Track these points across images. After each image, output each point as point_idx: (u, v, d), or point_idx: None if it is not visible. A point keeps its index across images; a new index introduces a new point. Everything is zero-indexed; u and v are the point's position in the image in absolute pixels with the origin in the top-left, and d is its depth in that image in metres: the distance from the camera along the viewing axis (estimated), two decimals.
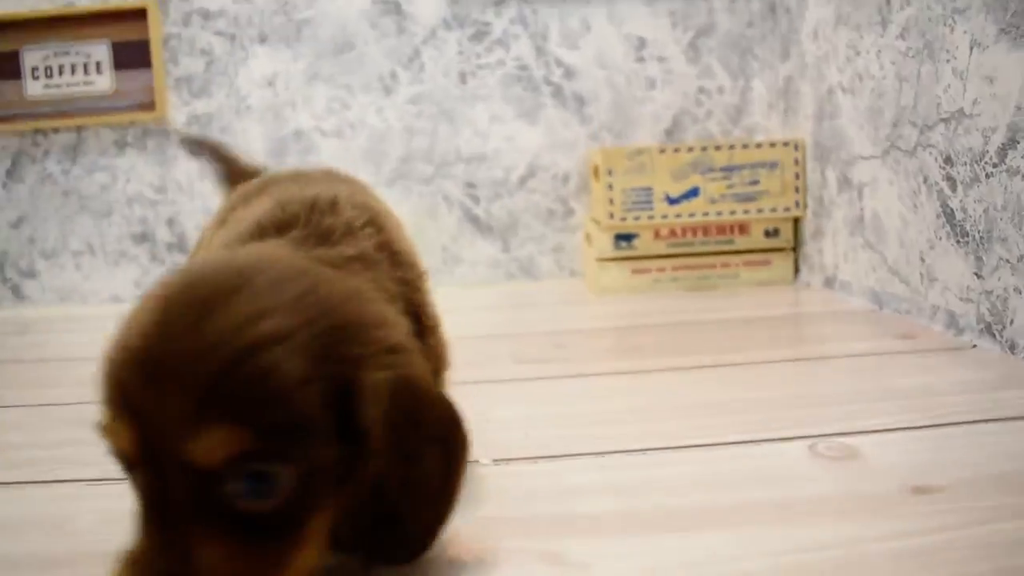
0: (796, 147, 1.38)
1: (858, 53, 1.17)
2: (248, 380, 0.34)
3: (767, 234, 1.42)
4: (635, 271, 1.42)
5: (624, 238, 1.41)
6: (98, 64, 1.56)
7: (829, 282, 1.31)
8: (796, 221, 1.42)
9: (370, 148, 1.55)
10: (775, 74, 1.50)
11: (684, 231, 1.41)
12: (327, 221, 0.47)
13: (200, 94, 1.55)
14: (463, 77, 1.54)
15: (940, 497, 0.51)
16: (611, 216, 1.38)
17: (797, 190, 1.39)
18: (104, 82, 1.56)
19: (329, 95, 1.54)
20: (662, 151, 1.37)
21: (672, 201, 1.38)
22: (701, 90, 1.56)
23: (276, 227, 0.47)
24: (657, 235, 1.41)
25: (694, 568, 0.42)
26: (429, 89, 1.54)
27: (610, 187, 1.37)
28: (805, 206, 1.39)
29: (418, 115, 1.54)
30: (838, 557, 0.44)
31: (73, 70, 1.56)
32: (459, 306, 1.33)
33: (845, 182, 1.24)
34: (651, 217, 1.38)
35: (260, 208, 0.49)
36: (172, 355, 0.34)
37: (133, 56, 1.54)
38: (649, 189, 1.38)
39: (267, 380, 0.34)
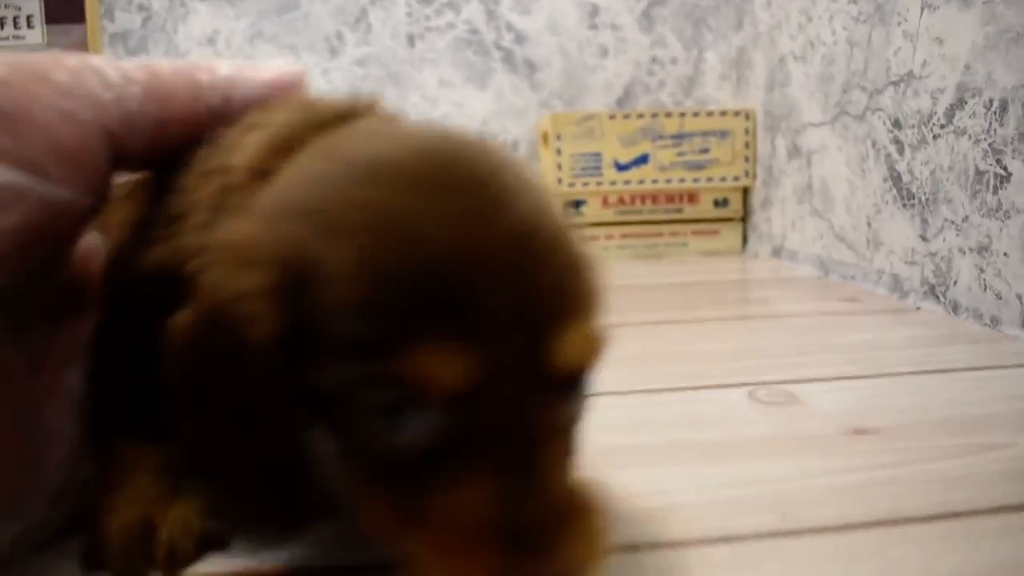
0: (747, 116, 1.37)
1: (810, 20, 1.16)
2: (582, 276, 0.29)
3: (716, 204, 1.41)
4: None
5: (572, 205, 1.39)
6: (29, 18, 1.49)
7: (776, 251, 1.31)
8: (745, 191, 1.41)
9: None
10: (728, 45, 1.49)
11: (633, 199, 1.40)
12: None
13: (136, 51, 1.49)
14: (411, 40, 1.50)
15: (879, 439, 0.49)
16: (559, 182, 1.36)
17: (747, 159, 1.38)
18: (35, 36, 1.49)
19: (273, 56, 1.49)
20: (612, 117, 1.35)
21: (621, 168, 1.37)
22: (654, 60, 1.54)
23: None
24: (605, 203, 1.39)
25: (627, 500, 0.41)
26: (376, 51, 1.50)
27: (558, 152, 1.35)
28: (755, 176, 1.38)
29: (365, 78, 1.51)
30: (776, 491, 0.42)
31: (3, 24, 1.49)
32: None
33: (795, 150, 1.23)
34: (599, 183, 1.37)
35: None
36: (516, 260, 0.27)
37: (66, 10, 1.48)
38: (598, 155, 1.36)
39: (590, 277, 0.30)
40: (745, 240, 1.42)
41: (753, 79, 1.38)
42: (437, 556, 0.27)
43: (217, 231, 0.31)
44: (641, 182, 1.37)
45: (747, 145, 1.37)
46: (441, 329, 0.26)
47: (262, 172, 0.33)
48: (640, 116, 1.35)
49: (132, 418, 0.36)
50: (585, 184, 1.36)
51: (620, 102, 1.55)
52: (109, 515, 0.34)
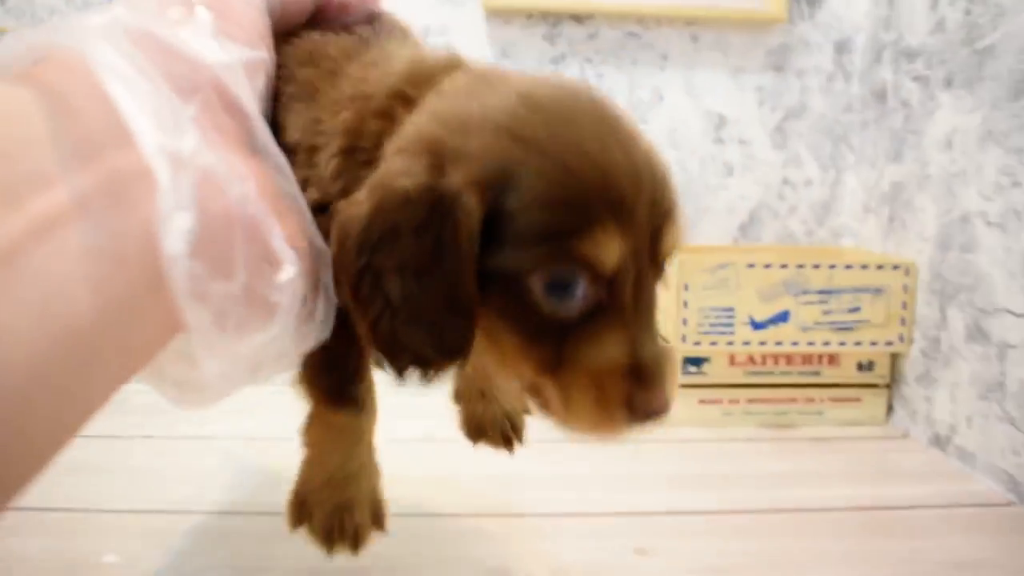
0: (907, 271, 1.15)
1: (1017, 184, 0.95)
2: (674, 189, 0.40)
3: (860, 368, 1.20)
4: (703, 400, 1.19)
5: (693, 362, 1.18)
6: None
7: (940, 442, 1.09)
8: (894, 356, 1.20)
9: None
10: (877, 173, 1.28)
11: (765, 359, 1.19)
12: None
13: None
14: None
15: None
16: (683, 339, 1.15)
17: (903, 322, 1.16)
18: None
19: None
20: (750, 266, 1.14)
21: (757, 326, 1.15)
22: (785, 181, 1.33)
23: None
24: (733, 362, 1.18)
25: None
26: None
27: (685, 305, 1.14)
28: (910, 342, 1.17)
29: None
30: None
31: None
32: None
33: (979, 333, 1.01)
34: (730, 343, 1.15)
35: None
36: (644, 172, 0.38)
37: None
38: (731, 310, 1.15)
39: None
40: (889, 409, 1.21)
41: (915, 226, 1.17)
42: (582, 388, 0.38)
43: (398, 135, 0.40)
44: (778, 343, 1.16)
45: (905, 305, 1.16)
46: (609, 220, 0.37)
47: (406, 99, 0.41)
48: (783, 267, 1.14)
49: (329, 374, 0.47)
50: (713, 343, 1.15)
51: (744, 228, 1.33)
52: (316, 500, 0.48)
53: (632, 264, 0.38)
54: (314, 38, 0.46)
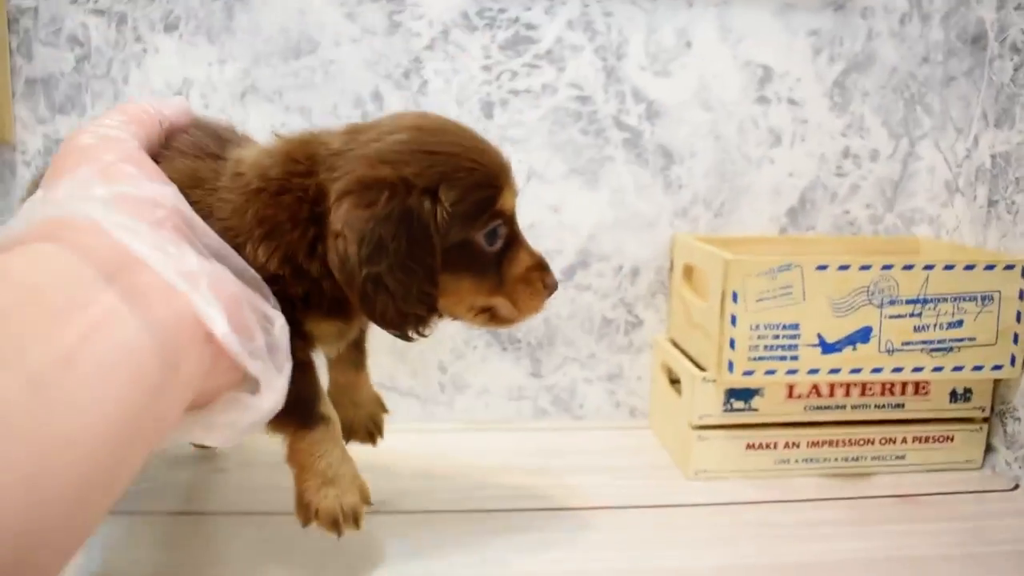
0: None
1: None
2: None
3: (954, 398, 0.91)
4: (751, 445, 0.89)
5: (740, 395, 0.88)
6: None
7: None
8: (996, 384, 0.92)
9: None
10: (968, 143, 0.98)
11: (833, 389, 0.89)
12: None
13: (64, 107, 0.95)
14: (488, 107, 0.98)
15: None
16: (730, 367, 0.85)
17: (1016, 339, 0.88)
18: None
19: (273, 121, 0.96)
20: (821, 268, 0.84)
21: (828, 348, 0.86)
22: (846, 153, 1.03)
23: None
24: (791, 394, 0.89)
25: None
26: None
27: (733, 321, 0.84)
28: (1023, 366, 0.88)
29: None
30: None
31: None
32: (452, 464, 0.87)
33: None
34: (793, 371, 0.86)
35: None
36: (501, 153, 0.63)
37: None
38: (795, 327, 0.85)
39: None
40: (988, 449, 0.92)
41: None
42: (520, 289, 0.63)
43: (345, 177, 0.56)
44: (855, 370, 0.86)
45: (1019, 317, 0.87)
46: (505, 184, 0.62)
47: (297, 172, 0.58)
48: (865, 268, 0.84)
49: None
50: (770, 371, 0.85)
51: (793, 214, 1.03)
52: (316, 498, 0.60)
53: (514, 203, 0.64)
54: (183, 162, 0.58)
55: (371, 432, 0.78)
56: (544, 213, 1.00)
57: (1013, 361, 0.88)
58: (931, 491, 0.87)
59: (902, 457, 0.92)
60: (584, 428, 1.04)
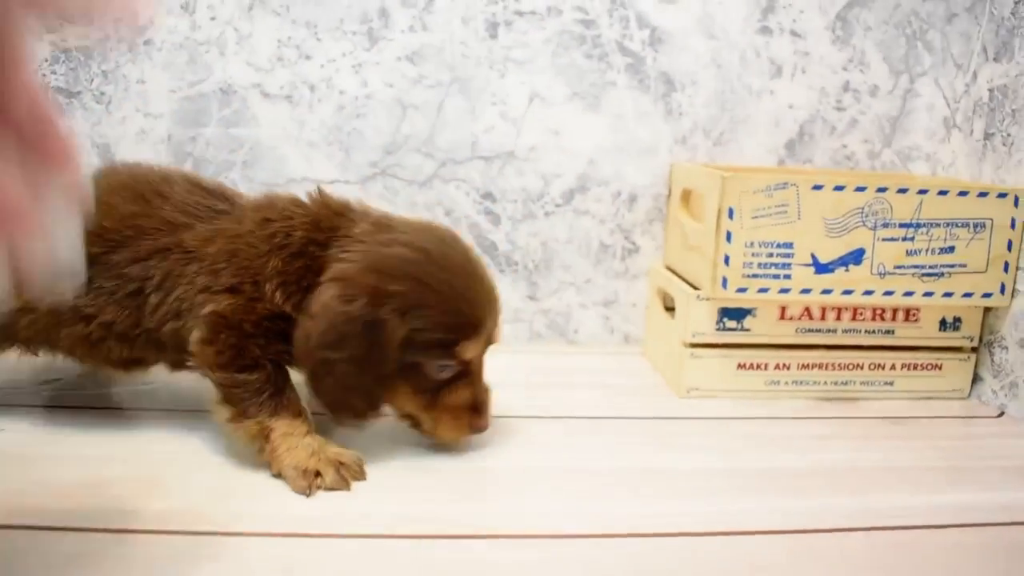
0: (1017, 201, 0.87)
1: None
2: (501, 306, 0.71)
3: (943, 326, 0.93)
4: (743, 365, 0.91)
5: (733, 314, 0.90)
6: None
7: None
8: (985, 314, 0.93)
9: (337, 125, 0.99)
10: (967, 78, 0.99)
11: (824, 312, 0.91)
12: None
13: None
14: (492, 27, 0.99)
15: None
16: (723, 283, 0.86)
17: (1007, 268, 0.89)
18: None
19: (280, 35, 0.97)
20: (816, 187, 0.85)
21: (821, 268, 0.87)
22: (847, 87, 1.04)
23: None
24: (784, 315, 0.90)
25: None
26: (438, 40, 0.98)
27: (728, 237, 0.85)
28: (1013, 294, 0.89)
29: (417, 80, 0.99)
30: None
31: None
32: None
33: None
34: (785, 290, 0.87)
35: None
36: (492, 297, 0.69)
37: None
38: (789, 246, 0.86)
39: None
40: (975, 379, 0.94)
41: None
42: (445, 417, 0.68)
43: (340, 267, 0.64)
44: (847, 292, 0.87)
45: (1011, 246, 0.88)
46: (472, 335, 0.66)
47: (318, 243, 0.67)
48: (860, 189, 0.85)
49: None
50: (763, 290, 0.86)
51: (791, 147, 1.04)
52: (315, 465, 0.63)
53: (480, 354, 0.69)
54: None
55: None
56: (545, 136, 1.01)
57: (1003, 290, 0.89)
58: (918, 415, 0.88)
59: (890, 383, 0.93)
60: (578, 352, 1.05)
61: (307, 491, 0.63)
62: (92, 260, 0.68)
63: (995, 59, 0.94)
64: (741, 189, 0.84)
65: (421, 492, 0.65)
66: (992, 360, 0.92)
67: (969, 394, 0.94)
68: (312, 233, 0.67)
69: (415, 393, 0.67)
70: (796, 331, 0.91)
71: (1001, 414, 0.90)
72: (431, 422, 0.69)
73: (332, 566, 0.53)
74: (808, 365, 0.92)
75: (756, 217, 0.85)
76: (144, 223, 0.69)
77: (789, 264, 0.86)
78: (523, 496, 0.66)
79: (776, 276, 0.86)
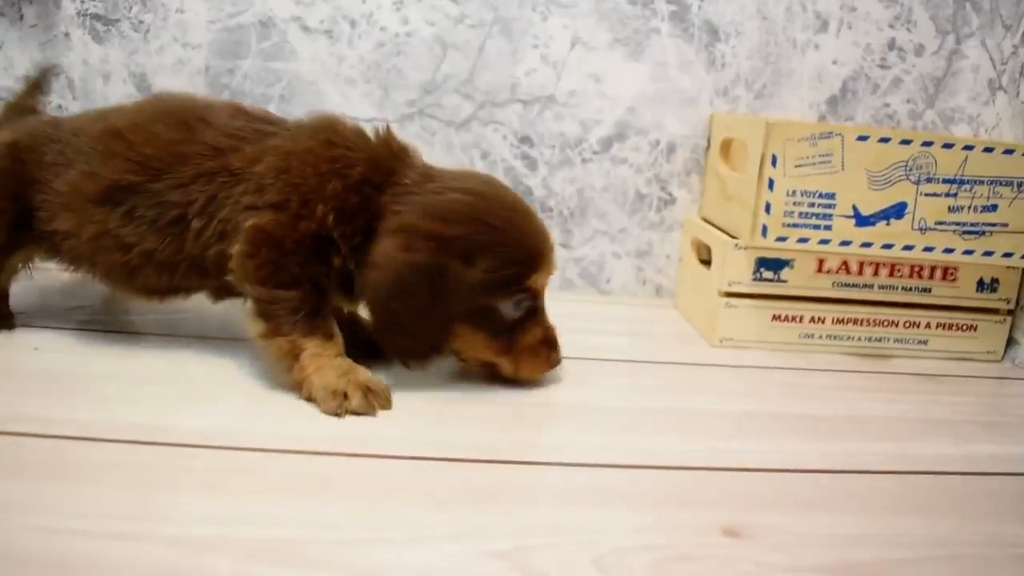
0: None
1: None
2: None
3: (981, 287, 0.92)
4: (778, 317, 0.90)
5: (770, 264, 0.89)
6: None
7: None
8: (1023, 276, 0.92)
9: (377, 62, 0.98)
10: (1013, 36, 0.98)
11: (862, 267, 0.90)
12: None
13: None
14: None
15: None
16: (763, 232, 0.85)
17: None
18: None
19: None
20: (862, 138, 0.84)
21: (862, 221, 0.86)
22: (892, 45, 1.02)
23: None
24: (821, 268, 0.89)
25: None
26: None
27: (770, 185, 0.85)
28: None
29: (459, 20, 0.98)
30: None
31: None
32: None
33: None
34: (825, 240, 0.86)
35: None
36: (546, 231, 0.70)
37: None
38: (831, 196, 0.85)
39: None
40: (1009, 343, 0.93)
41: None
42: (525, 356, 0.69)
43: (400, 216, 0.65)
44: (887, 246, 0.87)
45: None
46: (540, 264, 0.67)
47: (374, 184, 0.68)
48: (905, 143, 0.84)
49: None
50: (803, 239, 0.86)
51: (833, 103, 1.03)
52: (343, 386, 0.63)
53: (546, 284, 0.70)
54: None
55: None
56: (586, 82, 1.00)
57: None
58: (951, 374, 0.88)
59: (924, 342, 0.93)
60: (610, 302, 1.05)
61: (337, 411, 0.62)
62: (133, 188, 0.68)
63: None
64: (786, 136, 0.83)
65: (461, 422, 0.65)
66: None
67: (1003, 356, 0.94)
68: (369, 172, 0.67)
69: (491, 338, 0.68)
70: (833, 285, 0.90)
71: None
72: (511, 364, 0.70)
73: (372, 483, 0.53)
74: (843, 320, 0.91)
75: (799, 166, 0.84)
76: (186, 149, 0.69)
77: (830, 215, 0.85)
78: (558, 429, 0.66)
79: (816, 227, 0.86)
